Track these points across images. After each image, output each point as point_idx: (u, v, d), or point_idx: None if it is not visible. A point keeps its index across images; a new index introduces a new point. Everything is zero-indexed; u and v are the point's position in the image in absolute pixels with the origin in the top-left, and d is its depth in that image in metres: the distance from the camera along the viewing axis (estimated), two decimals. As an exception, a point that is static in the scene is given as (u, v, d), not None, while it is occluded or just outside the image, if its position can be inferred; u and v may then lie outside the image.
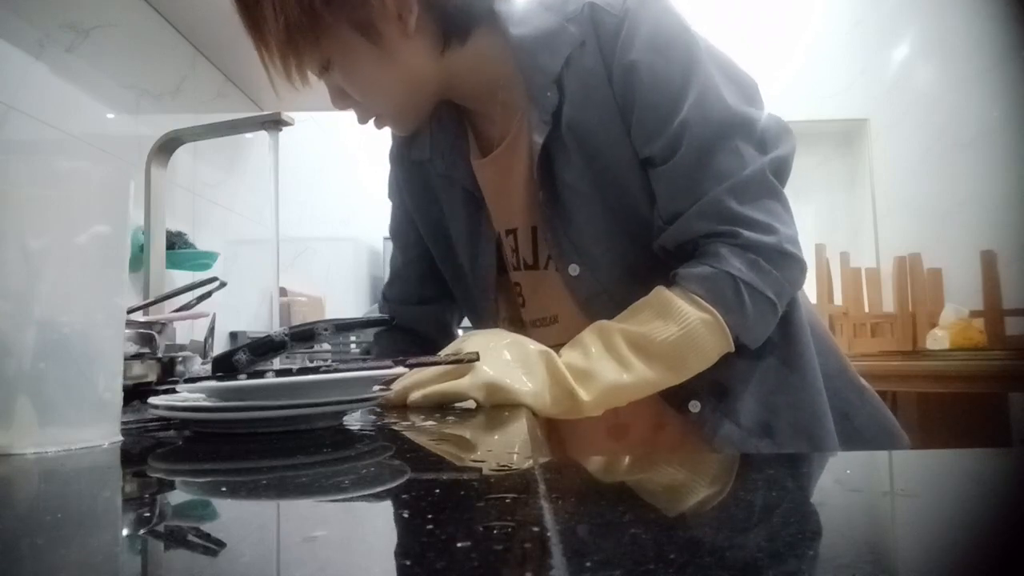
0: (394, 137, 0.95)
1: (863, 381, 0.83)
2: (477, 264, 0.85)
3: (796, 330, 0.76)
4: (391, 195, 0.99)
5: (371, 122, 0.81)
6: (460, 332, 1.03)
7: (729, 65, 0.74)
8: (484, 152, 0.83)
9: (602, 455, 0.91)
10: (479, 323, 0.90)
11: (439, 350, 0.99)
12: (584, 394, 0.64)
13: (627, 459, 0.69)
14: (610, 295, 0.76)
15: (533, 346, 0.66)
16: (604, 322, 0.69)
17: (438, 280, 0.95)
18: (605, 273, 0.76)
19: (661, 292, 0.68)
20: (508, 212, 0.82)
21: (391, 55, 0.72)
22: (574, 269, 0.77)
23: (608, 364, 0.65)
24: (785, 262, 0.69)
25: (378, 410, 0.63)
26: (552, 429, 0.89)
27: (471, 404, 0.61)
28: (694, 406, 0.73)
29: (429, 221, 0.92)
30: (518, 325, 0.88)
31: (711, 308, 0.66)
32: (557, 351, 0.70)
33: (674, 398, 0.73)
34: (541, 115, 0.74)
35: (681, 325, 0.66)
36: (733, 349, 0.69)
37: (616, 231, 0.75)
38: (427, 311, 0.98)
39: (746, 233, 0.68)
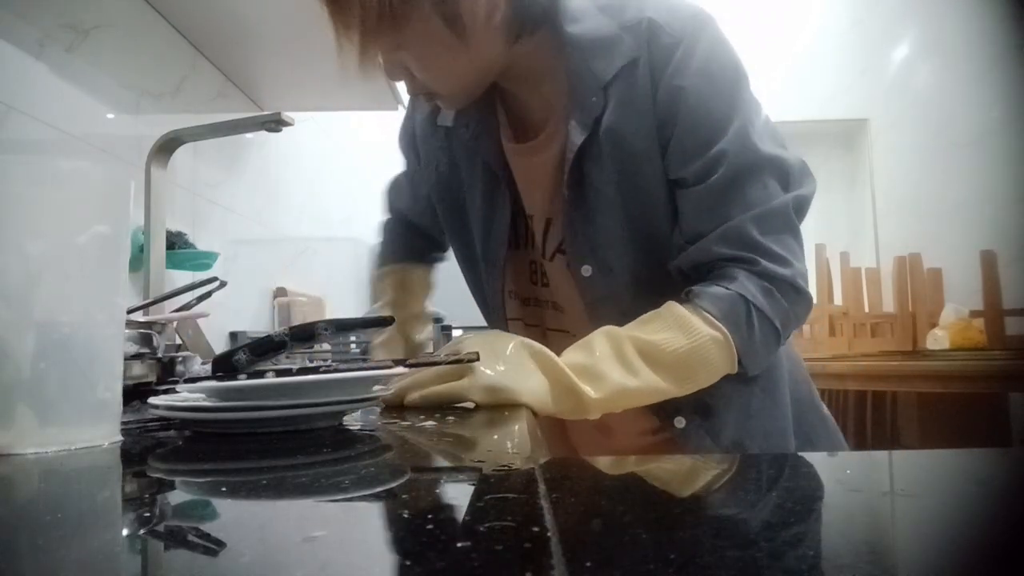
0: (410, 105, 0.96)
1: (824, 408, 0.88)
2: (490, 239, 0.86)
3: (776, 360, 0.79)
4: (408, 158, 1.00)
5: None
6: (458, 332, 1.03)
7: (758, 103, 0.76)
8: (517, 136, 0.84)
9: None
10: (484, 298, 0.92)
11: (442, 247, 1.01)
12: (592, 392, 0.64)
13: (627, 460, 0.69)
14: (616, 301, 0.77)
15: (532, 346, 0.66)
16: (613, 327, 0.69)
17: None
18: (615, 279, 0.77)
19: (673, 307, 0.69)
20: (534, 199, 0.84)
21: (468, 45, 0.72)
22: (587, 270, 0.78)
23: (615, 367, 0.66)
24: (796, 296, 0.71)
25: (378, 410, 0.63)
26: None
27: (470, 405, 0.61)
28: (679, 422, 0.76)
29: (446, 186, 0.92)
30: (529, 303, 0.89)
31: (722, 327, 0.67)
32: (565, 336, 0.70)
33: (662, 411, 0.75)
34: (583, 118, 0.75)
35: (691, 339, 0.67)
36: (736, 371, 0.70)
37: (632, 240, 0.77)
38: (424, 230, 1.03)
39: (764, 262, 0.70)
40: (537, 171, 0.82)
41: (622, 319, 0.73)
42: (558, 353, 0.67)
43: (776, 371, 0.80)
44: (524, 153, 0.83)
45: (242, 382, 0.51)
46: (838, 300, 3.07)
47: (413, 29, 0.69)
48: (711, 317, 0.68)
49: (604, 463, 0.57)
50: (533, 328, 0.89)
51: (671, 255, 0.75)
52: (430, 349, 1.08)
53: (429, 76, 0.74)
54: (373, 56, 0.71)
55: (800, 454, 0.76)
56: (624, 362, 0.66)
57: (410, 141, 0.98)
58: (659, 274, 0.76)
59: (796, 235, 0.73)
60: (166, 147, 1.28)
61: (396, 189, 1.07)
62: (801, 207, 0.74)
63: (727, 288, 0.69)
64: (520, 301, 0.90)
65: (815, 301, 3.14)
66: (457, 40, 0.70)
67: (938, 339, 2.67)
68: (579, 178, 0.77)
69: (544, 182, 0.81)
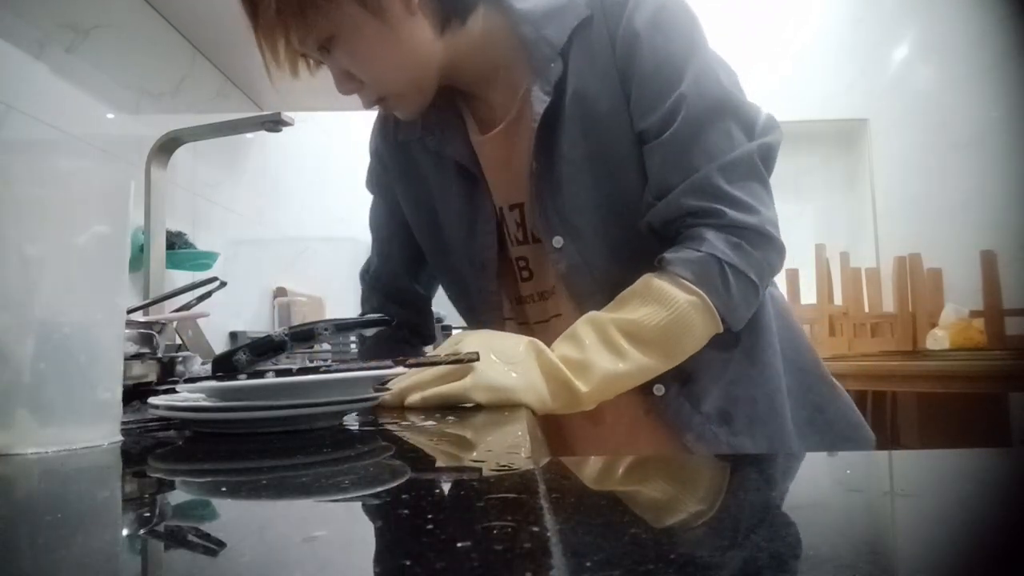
0: (375, 128, 0.96)
1: (833, 378, 0.87)
2: (475, 242, 0.85)
3: (761, 328, 0.78)
4: (370, 187, 0.99)
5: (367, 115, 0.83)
6: (458, 331, 1.03)
7: (718, 54, 0.77)
8: (484, 130, 0.84)
9: (571, 435, 0.90)
10: (473, 304, 0.90)
11: (425, 340, 0.97)
12: (582, 385, 0.64)
13: (627, 460, 0.69)
14: (590, 269, 0.78)
15: (528, 343, 0.66)
16: (596, 313, 0.70)
17: (415, 273, 0.98)
18: (587, 246, 0.78)
19: (649, 279, 0.70)
20: (512, 187, 0.83)
21: (395, 32, 0.73)
22: (558, 241, 0.78)
23: (603, 354, 0.66)
24: (766, 244, 0.72)
25: (378, 410, 0.63)
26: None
27: (470, 404, 0.61)
28: (659, 389, 0.76)
29: (416, 204, 0.92)
30: (514, 302, 0.88)
31: (698, 290, 0.68)
32: (553, 324, 0.70)
33: None
34: (543, 86, 0.75)
35: (671, 309, 0.67)
36: (722, 330, 0.70)
37: (602, 205, 0.77)
38: (407, 300, 1.00)
39: (731, 213, 0.70)
40: (510, 155, 0.82)
41: (596, 287, 0.74)
42: (546, 344, 0.67)
43: (760, 338, 0.79)
44: (493, 142, 0.83)
45: (242, 382, 0.51)
46: (838, 300, 3.07)
47: (335, 19, 0.71)
48: (686, 283, 0.68)
49: (604, 463, 0.57)
50: (523, 326, 0.88)
51: (642, 214, 0.75)
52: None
53: (366, 72, 0.75)
54: (299, 50, 0.73)
55: (797, 454, 0.76)
56: (611, 347, 0.67)
57: (376, 180, 0.97)
58: (632, 237, 0.76)
59: (763, 182, 0.73)
60: (166, 147, 1.28)
61: (367, 272, 1.02)
62: (767, 156, 0.74)
63: (697, 250, 0.69)
64: (510, 301, 0.89)
65: (814, 300, 3.13)
66: (382, 27, 0.72)
67: (938, 339, 2.66)
68: (547, 148, 0.77)
69: (522, 165, 0.80)
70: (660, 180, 0.73)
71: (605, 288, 0.73)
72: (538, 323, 0.86)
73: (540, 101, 0.75)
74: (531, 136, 0.77)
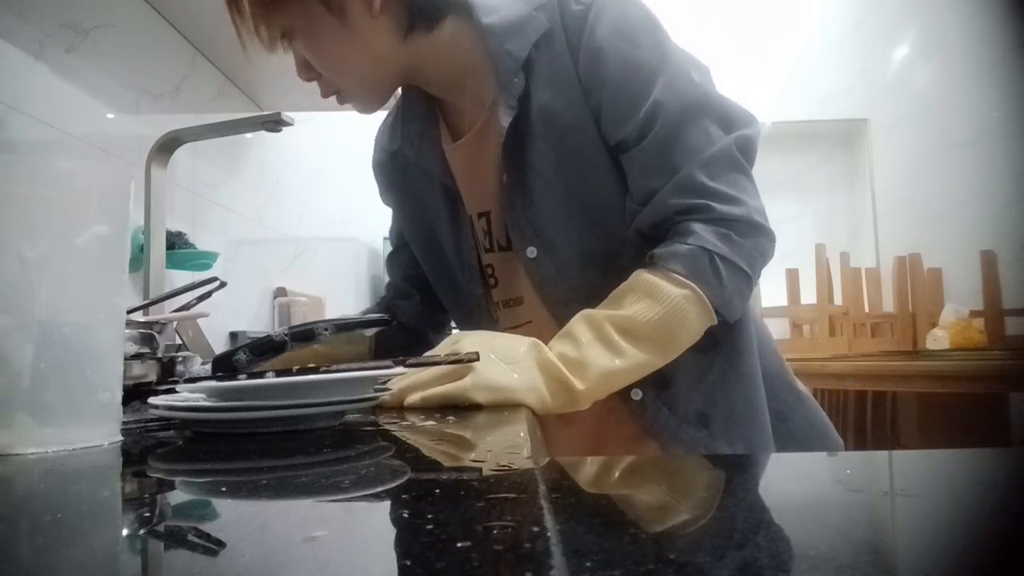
0: (375, 144, 0.98)
1: (800, 384, 0.87)
2: (461, 247, 0.86)
3: (739, 328, 0.78)
4: (384, 200, 1.01)
5: (333, 108, 0.85)
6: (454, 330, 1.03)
7: (687, 52, 0.77)
8: (455, 137, 0.85)
9: (548, 439, 0.90)
10: (466, 309, 0.90)
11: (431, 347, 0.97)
12: (579, 383, 0.64)
13: (627, 461, 0.69)
14: (564, 277, 0.78)
15: (529, 344, 0.66)
16: (590, 311, 0.70)
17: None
18: (561, 256, 0.78)
19: (641, 275, 0.70)
20: (480, 195, 0.84)
21: (354, 32, 0.74)
22: (531, 252, 0.79)
23: (600, 351, 0.66)
24: (755, 232, 0.72)
25: (377, 410, 0.63)
26: None
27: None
28: (636, 394, 0.76)
29: (411, 216, 0.94)
30: (490, 306, 0.89)
31: (691, 283, 0.68)
32: (524, 331, 0.70)
33: None
34: (508, 100, 0.76)
35: (664, 304, 0.67)
36: (716, 322, 0.70)
37: (574, 214, 0.77)
38: (420, 305, 1.00)
39: (717, 207, 0.70)
40: (478, 164, 0.82)
41: (573, 295, 0.74)
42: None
43: (740, 340, 0.78)
44: (462, 150, 0.83)
45: (242, 382, 0.51)
46: (838, 300, 3.07)
47: (296, 11, 0.73)
48: (677, 276, 0.68)
49: (604, 464, 0.57)
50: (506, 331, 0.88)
51: (624, 222, 0.76)
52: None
53: (323, 66, 0.78)
54: (271, 35, 0.76)
55: (798, 454, 0.76)
56: (607, 344, 0.67)
57: (385, 191, 0.99)
58: (607, 244, 0.77)
59: (746, 174, 0.74)
60: (166, 147, 1.28)
61: (390, 262, 1.05)
62: (746, 147, 0.74)
63: (687, 243, 0.69)
64: (493, 306, 0.89)
65: (814, 300, 3.13)
66: (340, 26, 0.74)
67: (938, 339, 2.67)
68: (516, 160, 0.77)
69: (489, 174, 0.81)
70: (643, 185, 0.74)
71: (581, 296, 0.74)
72: (508, 329, 0.86)
73: (505, 116, 0.76)
74: (498, 147, 0.78)
